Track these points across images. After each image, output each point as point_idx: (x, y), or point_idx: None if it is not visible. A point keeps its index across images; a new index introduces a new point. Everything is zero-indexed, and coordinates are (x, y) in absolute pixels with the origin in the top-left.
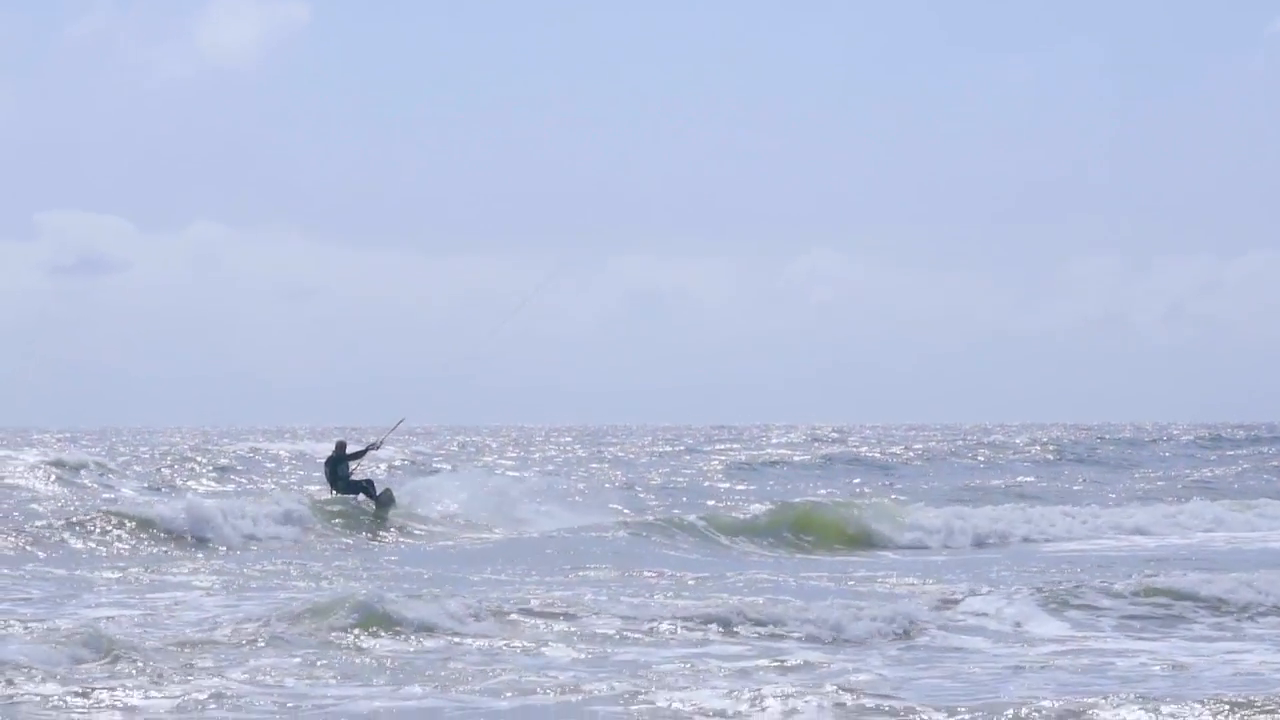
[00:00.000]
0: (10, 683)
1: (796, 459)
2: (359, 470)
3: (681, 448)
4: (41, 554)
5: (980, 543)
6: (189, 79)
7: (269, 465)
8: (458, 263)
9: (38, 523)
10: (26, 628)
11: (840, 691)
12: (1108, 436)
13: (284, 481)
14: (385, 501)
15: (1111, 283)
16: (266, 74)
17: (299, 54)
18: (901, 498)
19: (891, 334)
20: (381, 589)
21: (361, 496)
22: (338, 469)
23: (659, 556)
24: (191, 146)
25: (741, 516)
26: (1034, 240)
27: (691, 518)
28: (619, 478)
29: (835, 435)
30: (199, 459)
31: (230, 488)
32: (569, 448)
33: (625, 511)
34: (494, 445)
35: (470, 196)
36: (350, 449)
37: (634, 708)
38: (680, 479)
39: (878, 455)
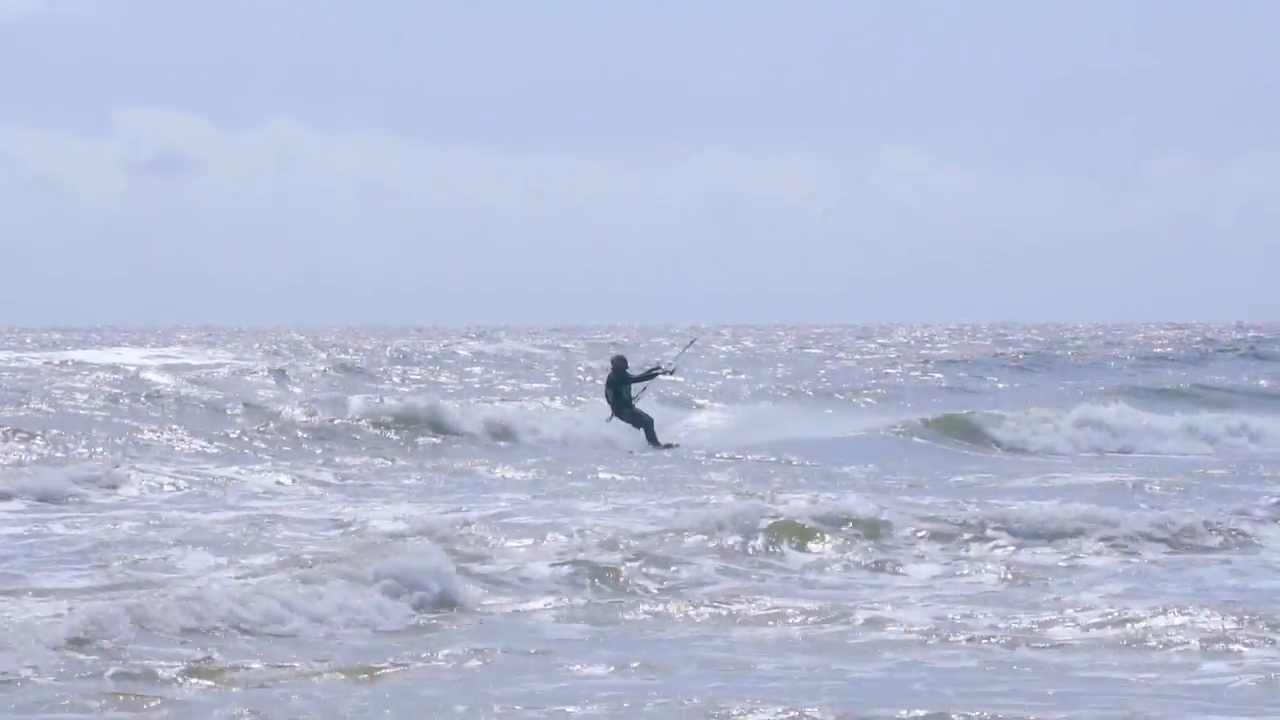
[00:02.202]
0: None
1: (964, 358)
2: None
3: (817, 348)
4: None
5: None
6: None
7: (464, 365)
8: (537, 161)
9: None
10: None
11: None
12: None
13: (508, 381)
14: (665, 449)
15: (1191, 180)
16: None
17: None
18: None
19: (971, 234)
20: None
21: (643, 434)
22: (620, 391)
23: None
24: (266, 44)
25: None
26: (1112, 138)
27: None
28: (811, 378)
29: (955, 334)
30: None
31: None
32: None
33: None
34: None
35: (550, 94)
36: (632, 370)
37: None
38: (875, 378)
39: (1051, 355)
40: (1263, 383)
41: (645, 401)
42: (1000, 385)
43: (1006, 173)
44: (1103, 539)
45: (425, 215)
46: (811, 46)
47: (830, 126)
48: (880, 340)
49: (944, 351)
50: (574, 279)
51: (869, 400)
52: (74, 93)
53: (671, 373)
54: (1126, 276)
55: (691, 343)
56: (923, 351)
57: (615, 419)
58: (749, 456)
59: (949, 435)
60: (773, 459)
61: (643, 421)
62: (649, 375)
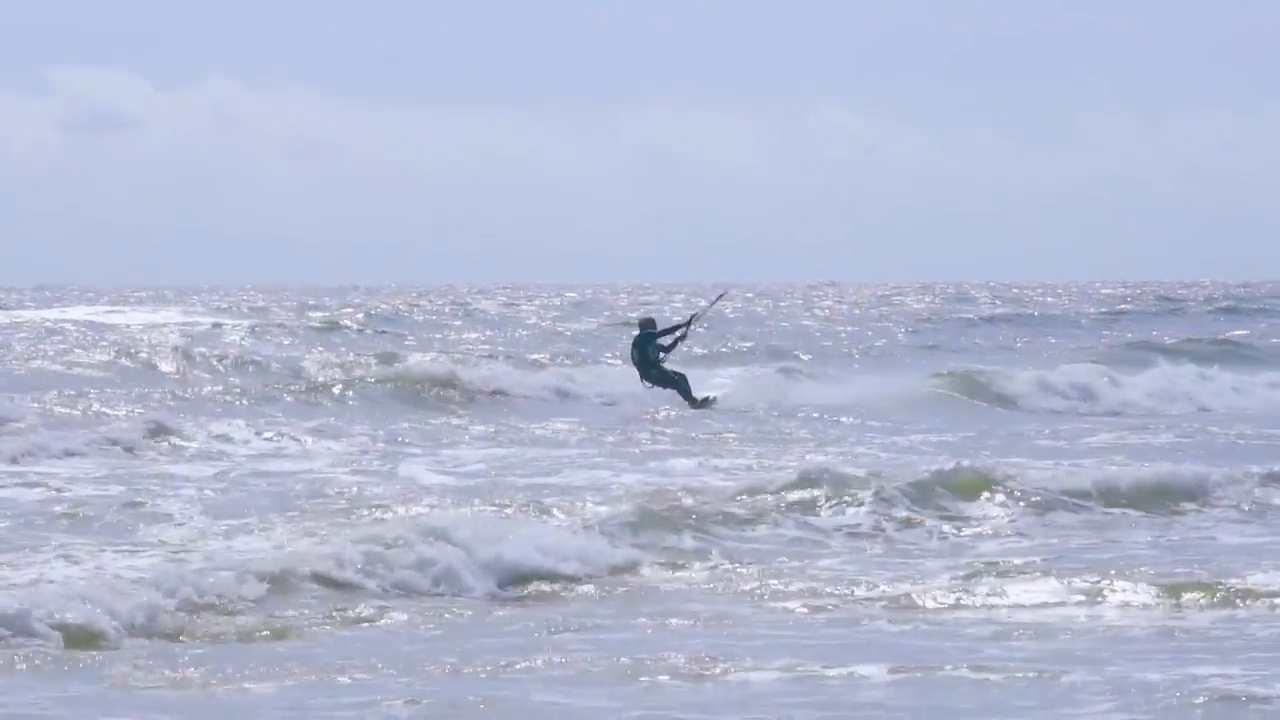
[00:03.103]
0: None
1: (949, 316)
2: (669, 359)
3: (771, 307)
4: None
5: None
6: None
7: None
8: (476, 120)
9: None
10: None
11: None
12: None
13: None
14: (704, 406)
15: (1126, 140)
16: None
17: None
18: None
19: (907, 193)
20: None
21: (672, 394)
22: (647, 352)
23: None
24: (203, 2)
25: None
26: (1046, 96)
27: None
28: (792, 339)
29: (895, 291)
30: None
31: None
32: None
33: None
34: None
35: (489, 52)
36: (660, 327)
37: None
38: (855, 338)
39: (1019, 312)
40: (1236, 332)
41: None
42: (987, 344)
43: (943, 131)
44: (1071, 496)
45: (363, 174)
46: (747, 5)
47: (766, 85)
48: (836, 300)
49: (913, 309)
50: (513, 237)
51: (863, 359)
52: (10, 51)
53: (695, 317)
54: (1065, 235)
55: (721, 296)
56: (883, 309)
57: (651, 386)
58: (818, 416)
59: (972, 394)
60: (810, 418)
61: (673, 381)
62: (677, 331)
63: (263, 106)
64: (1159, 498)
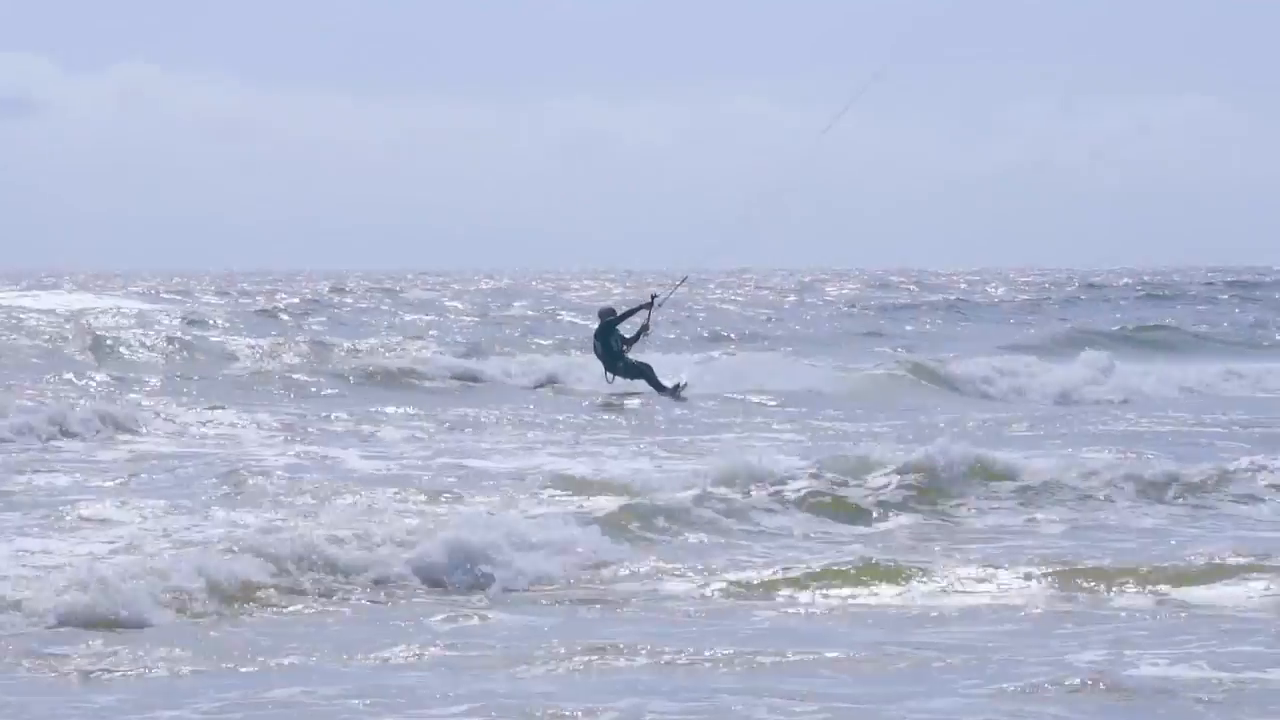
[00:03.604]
0: None
1: (871, 302)
2: (634, 348)
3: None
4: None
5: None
6: None
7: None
8: (394, 105)
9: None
10: None
11: None
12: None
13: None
14: (675, 395)
15: (1041, 126)
16: None
17: None
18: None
19: (824, 179)
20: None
21: (642, 385)
22: (610, 343)
23: None
24: None
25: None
26: (962, 83)
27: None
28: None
29: (832, 277)
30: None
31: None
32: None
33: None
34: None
35: (411, 36)
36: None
37: None
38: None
39: (972, 301)
40: (1164, 320)
41: (634, 353)
42: (916, 329)
43: (860, 119)
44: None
45: (280, 158)
46: None
47: (686, 72)
48: (755, 285)
49: (834, 295)
50: (432, 223)
51: (806, 344)
52: None
53: (656, 304)
54: (978, 222)
55: (683, 281)
56: (805, 296)
57: (614, 378)
58: (775, 405)
59: (916, 380)
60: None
61: (640, 371)
62: (633, 315)
63: (177, 90)
64: (1089, 485)
